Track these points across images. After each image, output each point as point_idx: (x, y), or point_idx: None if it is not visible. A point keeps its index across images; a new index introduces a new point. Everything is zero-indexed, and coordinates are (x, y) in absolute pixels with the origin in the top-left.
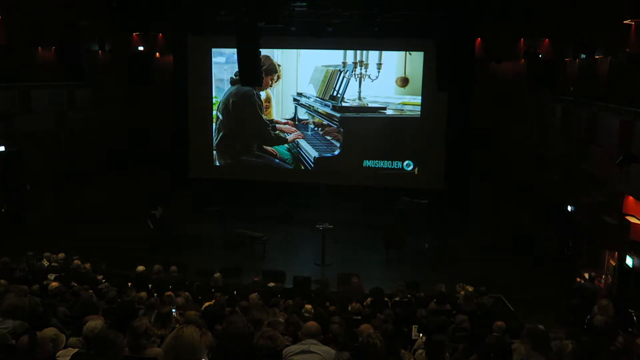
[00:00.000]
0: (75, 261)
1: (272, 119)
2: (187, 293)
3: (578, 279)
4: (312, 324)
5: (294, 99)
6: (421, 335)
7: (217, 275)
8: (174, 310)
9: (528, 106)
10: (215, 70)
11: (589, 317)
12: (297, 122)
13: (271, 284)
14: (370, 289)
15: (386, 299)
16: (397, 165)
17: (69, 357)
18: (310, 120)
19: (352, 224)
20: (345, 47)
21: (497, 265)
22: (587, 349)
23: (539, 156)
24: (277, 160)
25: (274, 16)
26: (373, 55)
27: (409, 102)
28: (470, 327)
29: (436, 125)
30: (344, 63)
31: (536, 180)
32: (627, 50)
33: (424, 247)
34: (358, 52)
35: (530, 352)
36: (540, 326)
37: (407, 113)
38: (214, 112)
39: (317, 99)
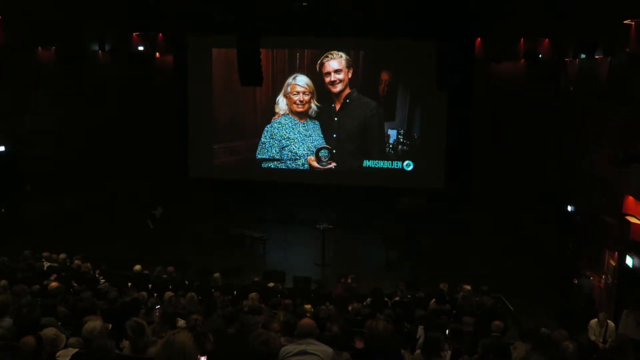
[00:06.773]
0: (76, 261)
1: None
2: (192, 293)
3: (575, 281)
4: (306, 321)
5: None
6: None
7: (217, 275)
8: None
9: (528, 106)
10: (215, 70)
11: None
12: None
13: (271, 284)
14: (370, 289)
15: (386, 299)
16: (397, 165)
17: (69, 357)
18: None
19: (352, 224)
20: (345, 47)
21: (497, 265)
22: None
23: (539, 156)
24: None
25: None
26: (373, 55)
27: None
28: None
29: (436, 125)
30: None
31: (536, 180)
32: (627, 50)
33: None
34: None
35: (530, 352)
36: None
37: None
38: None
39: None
